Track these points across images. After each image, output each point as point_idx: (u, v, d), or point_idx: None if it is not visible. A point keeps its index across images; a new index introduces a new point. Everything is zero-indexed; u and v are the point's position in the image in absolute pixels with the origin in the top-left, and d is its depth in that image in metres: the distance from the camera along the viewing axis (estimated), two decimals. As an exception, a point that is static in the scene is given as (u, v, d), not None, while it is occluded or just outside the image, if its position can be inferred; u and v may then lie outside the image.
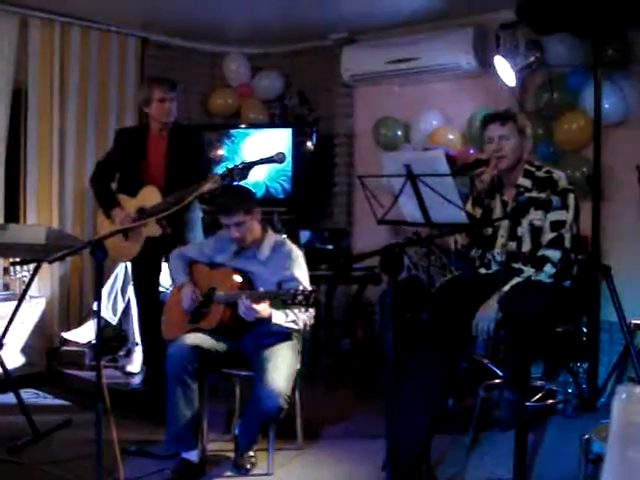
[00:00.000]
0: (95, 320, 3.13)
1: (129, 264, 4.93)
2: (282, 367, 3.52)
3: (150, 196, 4.24)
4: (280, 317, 3.57)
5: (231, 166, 3.85)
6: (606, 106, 4.55)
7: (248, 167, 3.83)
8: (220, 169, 4.28)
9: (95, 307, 3.10)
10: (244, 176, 3.86)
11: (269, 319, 3.53)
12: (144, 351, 4.73)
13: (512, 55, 4.86)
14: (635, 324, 4.11)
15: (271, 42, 6.38)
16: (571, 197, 3.43)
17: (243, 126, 6.36)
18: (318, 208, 6.18)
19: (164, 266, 4.42)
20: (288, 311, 3.59)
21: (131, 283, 5.12)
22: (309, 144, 6.02)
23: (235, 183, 3.86)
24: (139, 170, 4.35)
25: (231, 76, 6.59)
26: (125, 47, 6.02)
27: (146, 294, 4.48)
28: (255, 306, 3.47)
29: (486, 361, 4.27)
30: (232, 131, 6.24)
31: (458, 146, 5.31)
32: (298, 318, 3.62)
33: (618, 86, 4.69)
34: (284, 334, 3.64)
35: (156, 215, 3.82)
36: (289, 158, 5.67)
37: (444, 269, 3.94)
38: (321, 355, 5.24)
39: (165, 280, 4.61)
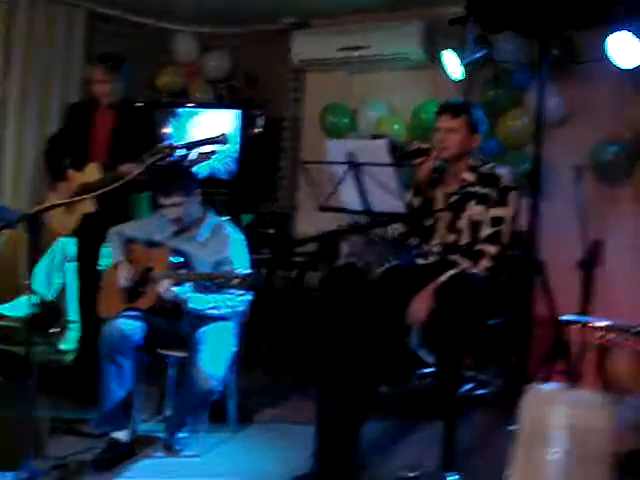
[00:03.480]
0: (28, 295, 3.08)
1: (66, 240, 4.87)
2: (216, 349, 3.53)
3: (92, 173, 4.22)
4: (201, 302, 3.56)
5: (163, 145, 3.84)
6: (549, 104, 4.62)
7: (189, 147, 3.81)
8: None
9: (29, 282, 3.05)
10: (186, 156, 3.85)
11: (184, 303, 3.52)
12: (80, 329, 4.67)
13: (460, 49, 4.91)
14: (565, 320, 4.19)
15: (222, 22, 6.32)
16: (512, 194, 3.48)
17: (190, 105, 6.30)
18: (262, 191, 6.16)
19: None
20: (213, 296, 3.59)
21: (68, 260, 5.06)
22: (256, 127, 5.99)
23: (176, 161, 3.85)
24: (86, 145, 4.33)
25: (179, 54, 6.51)
26: (73, 19, 5.89)
27: (85, 271, 4.43)
28: (173, 287, 3.47)
29: (420, 350, 4.33)
30: (179, 109, 6.17)
31: (403, 136, 5.35)
32: (223, 304, 3.62)
33: (561, 86, 4.78)
34: (220, 316, 3.64)
35: (92, 193, 3.80)
36: (235, 140, 5.65)
37: (383, 258, 3.97)
38: (259, 339, 5.24)
39: (105, 259, 4.56)
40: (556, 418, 1.30)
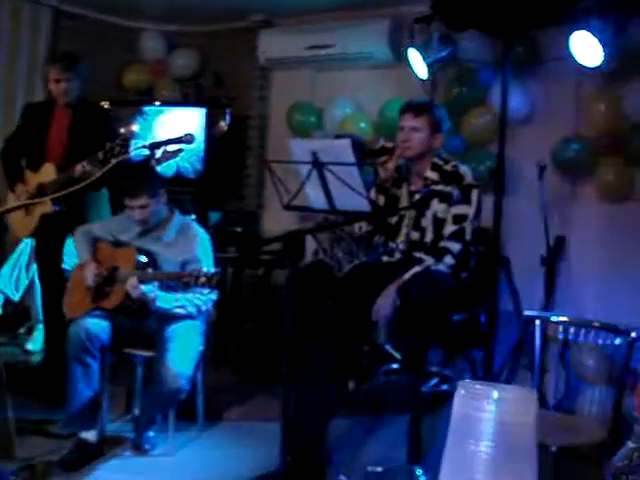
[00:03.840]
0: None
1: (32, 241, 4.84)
2: (184, 348, 3.54)
3: (48, 173, 4.21)
4: (167, 301, 3.58)
5: (113, 143, 3.84)
6: (512, 103, 4.68)
7: (153, 147, 3.82)
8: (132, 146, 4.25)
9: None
10: (152, 155, 3.85)
11: (152, 302, 3.53)
12: (46, 329, 4.65)
13: (425, 48, 4.95)
14: (528, 315, 4.26)
15: (188, 20, 6.30)
16: (474, 192, 3.52)
17: (157, 103, 6.27)
18: (229, 190, 6.17)
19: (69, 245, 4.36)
20: (179, 295, 3.61)
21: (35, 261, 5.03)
22: (222, 125, 5.99)
23: (142, 162, 3.85)
24: (43, 145, 4.30)
25: (146, 52, 6.48)
26: (38, 17, 5.84)
27: (47, 272, 4.41)
28: (141, 285, 3.48)
29: (387, 346, 4.37)
30: (145, 108, 6.15)
31: (369, 135, 5.38)
32: (189, 303, 3.63)
33: (525, 84, 4.85)
34: (186, 315, 3.65)
35: (51, 194, 3.80)
36: (201, 138, 5.65)
37: (352, 256, 4.00)
38: (226, 338, 5.26)
39: (71, 258, 4.54)
40: (484, 413, 1.35)
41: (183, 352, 3.52)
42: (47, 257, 4.39)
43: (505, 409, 1.35)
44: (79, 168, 3.95)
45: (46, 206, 4.13)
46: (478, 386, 1.40)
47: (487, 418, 1.35)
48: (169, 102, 6.30)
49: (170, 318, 3.63)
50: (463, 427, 1.38)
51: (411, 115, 3.56)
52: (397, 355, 4.34)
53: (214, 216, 5.57)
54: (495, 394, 1.36)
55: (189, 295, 3.64)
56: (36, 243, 4.48)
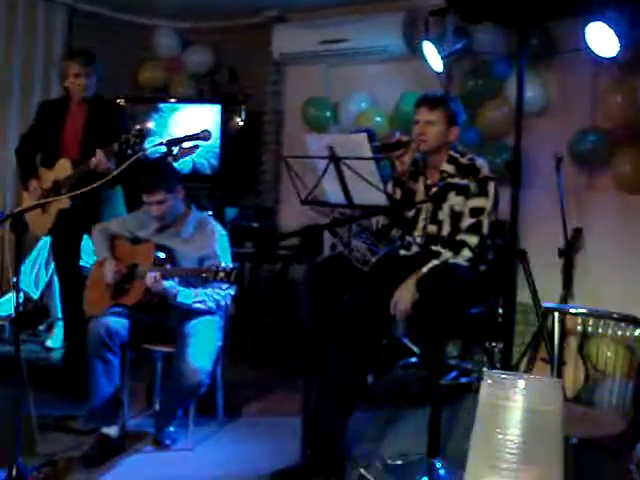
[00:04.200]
0: (15, 293, 3.10)
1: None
2: (203, 343, 3.55)
3: (63, 169, 4.24)
4: (187, 296, 3.59)
5: (129, 135, 3.86)
6: (528, 95, 4.66)
7: (171, 144, 3.83)
8: (148, 143, 4.27)
9: (15, 280, 3.07)
10: (170, 151, 3.86)
11: (174, 297, 3.55)
12: (65, 326, 4.68)
13: (440, 41, 4.94)
14: (547, 307, 4.25)
15: (202, 17, 6.32)
16: (491, 185, 3.51)
17: (172, 100, 6.30)
18: (245, 185, 6.18)
19: (87, 240, 4.38)
20: (198, 291, 3.62)
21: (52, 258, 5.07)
22: (238, 121, 6.01)
23: (159, 158, 3.87)
24: (58, 142, 4.33)
25: (161, 49, 6.51)
26: (53, 16, 5.88)
27: (65, 269, 4.43)
28: (162, 281, 3.49)
29: (405, 339, 4.38)
30: (161, 105, 6.18)
31: (385, 128, 5.38)
32: (209, 298, 3.65)
33: (540, 76, 4.84)
34: (206, 310, 3.67)
35: (70, 190, 3.81)
36: (217, 135, 5.67)
37: (370, 249, 4.00)
38: (245, 333, 5.28)
39: (89, 256, 4.57)
40: (511, 402, 1.36)
41: (202, 347, 3.54)
42: (64, 254, 4.42)
43: (532, 397, 1.36)
44: (94, 160, 3.97)
45: (63, 201, 4.15)
46: (505, 375, 1.41)
47: (514, 407, 1.36)
48: (184, 99, 6.33)
49: (189, 313, 3.64)
50: (490, 416, 1.39)
51: (426, 108, 3.55)
52: (415, 348, 4.35)
53: (230, 212, 5.58)
54: (522, 383, 1.37)
55: (208, 290, 3.65)
56: (53, 240, 4.50)
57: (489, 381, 1.40)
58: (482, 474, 1.37)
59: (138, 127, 3.92)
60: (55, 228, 4.33)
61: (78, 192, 3.42)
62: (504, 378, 1.39)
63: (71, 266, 4.39)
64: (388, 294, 3.36)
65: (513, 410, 1.36)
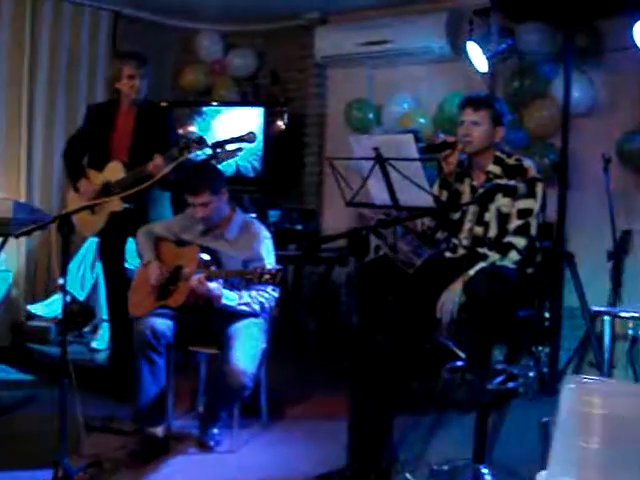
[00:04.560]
0: (62, 295, 3.12)
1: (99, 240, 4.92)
2: (248, 346, 3.55)
3: (114, 171, 4.25)
4: (232, 299, 3.59)
5: (190, 140, 3.87)
6: (575, 95, 4.60)
7: (217, 145, 3.83)
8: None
9: (61, 282, 3.10)
10: (215, 154, 3.87)
11: (218, 299, 3.55)
12: (111, 328, 4.72)
13: (484, 41, 4.89)
14: (596, 311, 4.18)
15: (245, 20, 6.34)
16: (539, 186, 3.46)
17: (215, 104, 6.33)
18: (288, 188, 6.18)
19: (131, 243, 4.41)
20: (243, 293, 3.62)
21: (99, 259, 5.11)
22: (280, 124, 6.01)
23: (204, 160, 3.88)
24: (107, 145, 4.34)
25: (203, 53, 6.54)
26: (97, 21, 5.95)
27: (112, 270, 4.47)
28: (207, 283, 3.50)
29: (449, 343, 4.32)
30: (203, 108, 6.21)
31: (429, 130, 5.34)
32: (253, 301, 3.64)
33: (587, 76, 4.76)
34: (250, 313, 3.67)
35: (122, 192, 3.83)
36: (260, 138, 5.67)
37: (416, 251, 3.97)
38: (288, 335, 5.27)
39: (133, 257, 4.60)
40: (594, 408, 1.30)
41: (247, 350, 3.53)
42: (112, 255, 4.45)
43: (617, 404, 1.30)
44: (152, 165, 3.98)
45: (116, 204, 4.18)
46: (588, 380, 1.35)
47: (598, 414, 1.30)
48: (227, 102, 6.35)
49: (234, 316, 3.64)
50: (572, 423, 1.33)
51: (471, 109, 3.51)
52: (460, 353, 4.29)
53: (274, 215, 5.59)
54: (607, 389, 1.31)
55: (252, 292, 3.65)
56: (101, 242, 4.54)
57: (571, 386, 1.34)
58: (564, 484, 1.31)
59: (199, 137, 3.90)
60: (104, 230, 4.36)
61: (127, 193, 3.44)
62: (588, 383, 1.33)
63: (117, 268, 4.43)
64: (433, 297, 3.33)
65: (596, 417, 1.29)
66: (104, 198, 4.10)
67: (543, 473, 1.38)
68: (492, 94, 4.64)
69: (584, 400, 1.30)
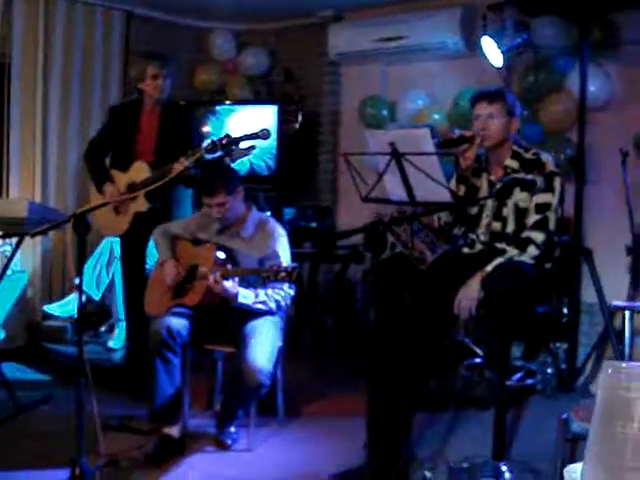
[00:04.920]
0: (77, 295, 3.12)
1: (114, 239, 4.93)
2: (264, 344, 3.53)
3: (140, 171, 4.23)
4: (248, 297, 3.58)
5: (215, 139, 3.84)
6: (591, 89, 4.56)
7: (233, 142, 3.82)
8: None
9: (77, 282, 3.09)
10: (229, 152, 3.85)
11: (234, 298, 3.54)
12: (128, 327, 4.72)
13: (499, 36, 4.85)
14: (615, 306, 4.14)
15: (257, 18, 6.33)
16: (557, 180, 3.43)
17: (228, 102, 6.32)
18: (302, 186, 6.17)
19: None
20: (259, 291, 3.61)
21: (116, 259, 5.11)
22: (294, 122, 5.99)
23: (218, 160, 3.86)
24: (131, 145, 4.34)
25: (216, 52, 6.54)
26: (110, 21, 5.95)
27: (132, 270, 4.46)
28: (223, 281, 3.48)
29: (467, 340, 4.30)
30: (217, 107, 6.20)
31: (444, 126, 5.30)
32: (269, 299, 3.63)
33: (604, 69, 4.71)
34: (266, 311, 3.65)
35: (142, 189, 3.81)
36: (274, 135, 5.65)
37: (432, 247, 3.94)
38: (304, 333, 5.26)
39: (153, 257, 4.60)
40: (634, 393, 1.27)
41: (263, 348, 3.52)
42: (133, 256, 4.45)
43: None
44: (178, 166, 3.89)
45: (140, 204, 4.17)
46: (627, 365, 1.31)
47: (637, 398, 1.26)
48: (241, 101, 6.35)
49: (250, 314, 3.63)
50: (611, 409, 1.29)
51: (486, 102, 3.49)
52: (477, 349, 4.27)
53: (288, 212, 5.57)
54: None
55: (268, 291, 3.64)
56: (123, 242, 4.53)
57: (610, 371, 1.31)
58: (600, 473, 1.28)
59: (225, 135, 3.87)
60: (128, 231, 4.35)
61: (150, 187, 3.44)
62: (626, 367, 1.30)
63: (138, 269, 4.42)
64: (451, 293, 3.30)
65: (636, 402, 1.26)
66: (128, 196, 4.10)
67: (570, 467, 1.35)
68: (502, 87, 4.59)
69: (623, 385, 1.26)
